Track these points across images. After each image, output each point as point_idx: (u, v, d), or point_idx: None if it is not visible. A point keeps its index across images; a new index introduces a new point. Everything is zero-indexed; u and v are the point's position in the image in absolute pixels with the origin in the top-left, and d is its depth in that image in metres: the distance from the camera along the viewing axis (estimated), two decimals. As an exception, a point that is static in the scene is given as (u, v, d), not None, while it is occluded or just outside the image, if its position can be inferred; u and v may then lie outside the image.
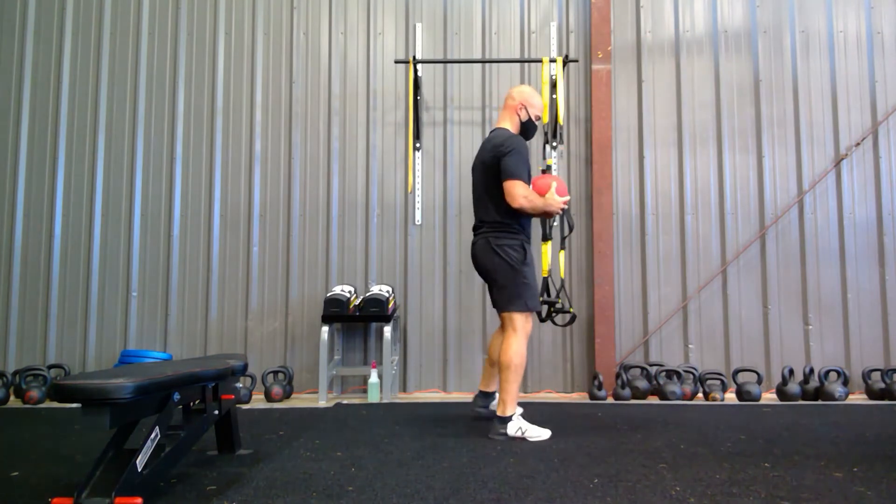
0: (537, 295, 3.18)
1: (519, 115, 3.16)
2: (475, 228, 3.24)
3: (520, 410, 3.02)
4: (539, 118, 3.23)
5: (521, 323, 3.00)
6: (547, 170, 4.47)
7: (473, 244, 3.21)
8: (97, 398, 1.76)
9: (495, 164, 3.01)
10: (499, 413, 2.95)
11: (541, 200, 3.02)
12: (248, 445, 2.73)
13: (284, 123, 4.90)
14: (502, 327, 3.41)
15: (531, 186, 3.10)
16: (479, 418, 3.42)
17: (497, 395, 3.42)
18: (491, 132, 3.23)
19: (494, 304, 3.14)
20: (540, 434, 2.90)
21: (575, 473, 2.23)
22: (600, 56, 4.79)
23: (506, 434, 2.89)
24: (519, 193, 2.94)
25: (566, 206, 3.11)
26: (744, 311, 4.75)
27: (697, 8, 4.98)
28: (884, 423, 3.33)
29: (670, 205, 4.84)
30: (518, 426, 2.90)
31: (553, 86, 4.66)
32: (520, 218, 3.08)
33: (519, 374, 2.95)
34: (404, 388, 4.70)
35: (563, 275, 4.34)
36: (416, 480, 2.15)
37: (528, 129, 3.19)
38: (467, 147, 4.87)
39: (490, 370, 3.44)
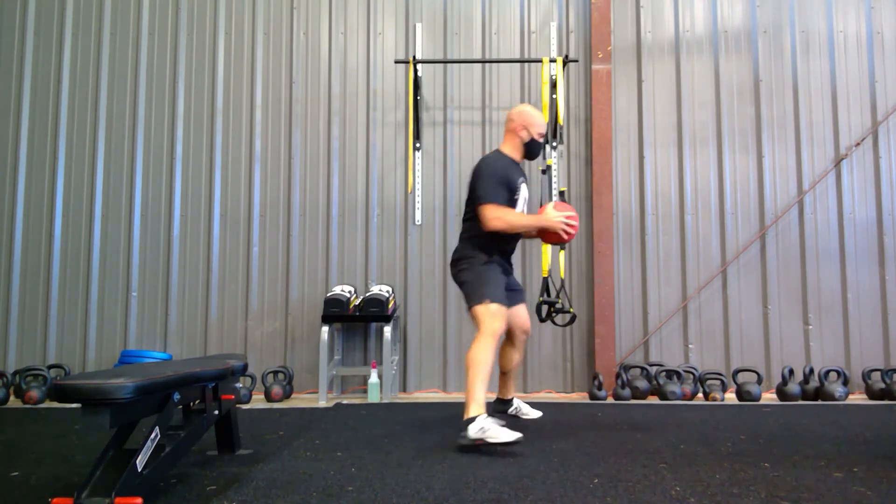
0: (498, 290, 3.01)
1: (521, 137, 3.14)
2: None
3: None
4: (542, 135, 3.20)
5: (487, 321, 2.88)
6: (547, 170, 4.47)
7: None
8: (97, 398, 1.75)
9: (471, 189, 3.07)
10: (464, 416, 2.71)
11: (525, 219, 3.08)
12: (248, 445, 2.72)
13: (284, 123, 4.90)
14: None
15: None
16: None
17: (514, 401, 3.45)
18: None
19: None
20: (502, 436, 2.57)
21: (575, 473, 2.23)
22: (600, 56, 4.79)
23: (466, 436, 2.60)
24: (488, 216, 2.94)
25: (571, 221, 3.04)
26: (744, 311, 4.75)
27: (697, 8, 4.98)
28: (884, 423, 3.33)
29: (670, 205, 4.84)
30: (480, 427, 2.60)
31: (553, 86, 4.66)
32: (491, 235, 3.03)
33: (480, 375, 2.75)
34: (404, 388, 4.70)
35: (563, 275, 4.34)
36: (416, 480, 2.15)
37: (531, 148, 3.17)
38: (467, 147, 4.87)
39: (502, 378, 3.47)
